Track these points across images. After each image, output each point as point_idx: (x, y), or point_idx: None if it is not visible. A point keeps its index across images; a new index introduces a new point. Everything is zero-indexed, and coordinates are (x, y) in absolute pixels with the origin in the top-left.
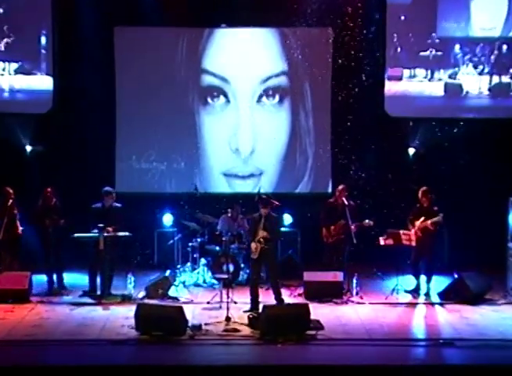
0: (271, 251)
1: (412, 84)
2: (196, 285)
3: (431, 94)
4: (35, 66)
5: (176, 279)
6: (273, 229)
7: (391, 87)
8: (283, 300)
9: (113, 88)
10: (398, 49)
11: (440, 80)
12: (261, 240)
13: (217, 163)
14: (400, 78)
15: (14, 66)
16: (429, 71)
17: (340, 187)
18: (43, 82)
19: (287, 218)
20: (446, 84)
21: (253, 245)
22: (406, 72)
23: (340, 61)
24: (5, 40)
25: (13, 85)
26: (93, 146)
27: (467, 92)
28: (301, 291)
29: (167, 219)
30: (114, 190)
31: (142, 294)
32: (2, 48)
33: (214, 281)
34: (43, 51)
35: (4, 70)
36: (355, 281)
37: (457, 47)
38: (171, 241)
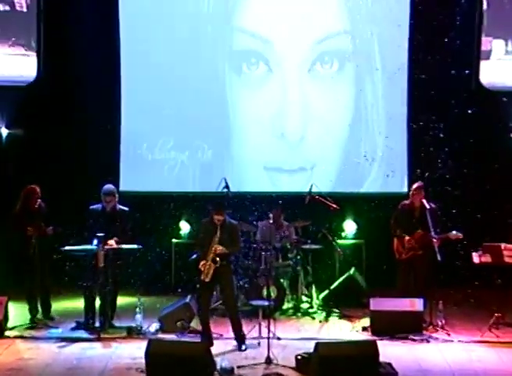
0: (228, 271)
1: None
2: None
3: None
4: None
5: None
6: (233, 243)
7: (489, 50)
8: (243, 337)
9: (117, 53)
10: None
11: None
12: (216, 258)
13: (255, 152)
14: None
15: None
16: None
17: (417, 185)
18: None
19: (349, 226)
20: None
21: (203, 264)
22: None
23: (420, 17)
24: None
25: None
26: (91, 131)
27: None
28: (366, 323)
29: (188, 227)
30: (118, 189)
31: (154, 326)
32: None
33: (248, 306)
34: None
35: None
36: (439, 311)
37: None
38: (194, 256)
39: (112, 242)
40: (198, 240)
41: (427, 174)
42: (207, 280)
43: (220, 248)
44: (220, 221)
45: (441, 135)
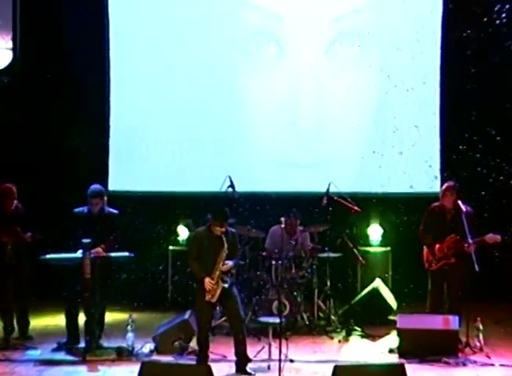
0: (235, 290)
1: None
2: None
3: None
4: None
5: None
6: (234, 253)
7: None
8: (247, 360)
9: (106, 30)
10: None
11: None
12: (224, 277)
13: (264, 146)
14: None
15: None
16: None
17: (448, 185)
18: None
19: (374, 232)
20: None
21: (209, 283)
22: None
23: None
24: None
25: None
26: (75, 122)
27: None
28: (392, 343)
29: (187, 233)
30: (106, 190)
31: (148, 347)
32: None
33: (256, 324)
34: None
35: None
36: (477, 330)
37: None
38: None
39: (99, 250)
40: (193, 254)
41: (461, 172)
42: (214, 300)
43: (229, 265)
44: (222, 232)
45: (482, 129)
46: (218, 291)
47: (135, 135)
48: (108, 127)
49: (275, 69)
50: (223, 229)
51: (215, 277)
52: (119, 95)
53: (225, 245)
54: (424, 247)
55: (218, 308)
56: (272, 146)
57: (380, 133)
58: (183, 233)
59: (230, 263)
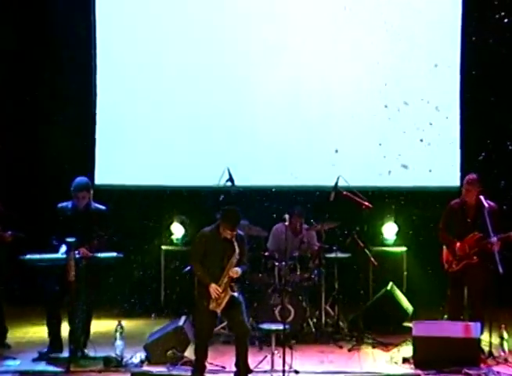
0: (240, 297)
1: None
2: (230, 342)
3: None
4: None
5: None
6: (243, 258)
7: None
8: (249, 371)
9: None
10: None
11: None
12: (233, 284)
13: (266, 135)
14: None
15: None
16: None
17: (471, 178)
18: None
19: (389, 230)
20: None
21: (215, 290)
22: None
23: None
24: None
25: None
26: (56, 108)
27: None
28: (407, 353)
29: (179, 230)
30: (93, 184)
31: (139, 356)
32: None
33: (257, 331)
34: None
35: None
36: (501, 339)
37: None
38: (188, 267)
39: (85, 250)
40: (196, 255)
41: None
42: (219, 310)
43: (239, 272)
44: (233, 236)
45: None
46: (226, 300)
47: (124, 124)
48: (94, 114)
49: (279, 56)
50: (234, 233)
51: (223, 284)
52: (106, 80)
53: (237, 250)
54: (444, 246)
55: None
56: (275, 135)
57: (393, 118)
58: (177, 231)
59: (240, 270)
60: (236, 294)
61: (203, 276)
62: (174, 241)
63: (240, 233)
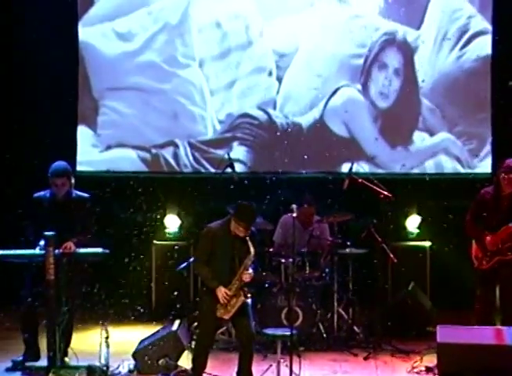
0: (249, 303)
1: None
2: (230, 349)
3: None
4: None
5: (193, 337)
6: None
7: None
8: None
9: None
10: None
11: None
12: (246, 289)
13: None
14: None
15: None
16: None
17: (506, 164)
18: None
19: (412, 223)
20: None
21: (225, 295)
22: None
23: None
24: None
25: None
26: (34, 88)
27: None
28: (432, 361)
29: (174, 223)
30: (74, 169)
31: (127, 365)
32: None
33: (262, 337)
34: None
35: None
36: None
37: None
38: (183, 264)
39: (70, 244)
40: (202, 255)
41: None
42: (227, 317)
43: (252, 276)
44: (246, 235)
45: None
46: (237, 307)
47: (109, 102)
48: (75, 91)
49: None
50: (248, 232)
51: (234, 289)
52: (90, 50)
53: (252, 251)
54: (474, 240)
55: None
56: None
57: (413, 94)
58: (172, 224)
59: (252, 274)
60: (249, 300)
61: (210, 278)
62: (168, 235)
63: (252, 229)
